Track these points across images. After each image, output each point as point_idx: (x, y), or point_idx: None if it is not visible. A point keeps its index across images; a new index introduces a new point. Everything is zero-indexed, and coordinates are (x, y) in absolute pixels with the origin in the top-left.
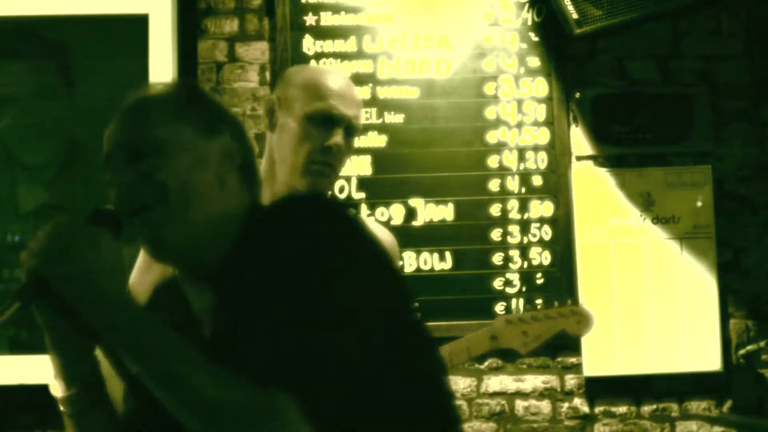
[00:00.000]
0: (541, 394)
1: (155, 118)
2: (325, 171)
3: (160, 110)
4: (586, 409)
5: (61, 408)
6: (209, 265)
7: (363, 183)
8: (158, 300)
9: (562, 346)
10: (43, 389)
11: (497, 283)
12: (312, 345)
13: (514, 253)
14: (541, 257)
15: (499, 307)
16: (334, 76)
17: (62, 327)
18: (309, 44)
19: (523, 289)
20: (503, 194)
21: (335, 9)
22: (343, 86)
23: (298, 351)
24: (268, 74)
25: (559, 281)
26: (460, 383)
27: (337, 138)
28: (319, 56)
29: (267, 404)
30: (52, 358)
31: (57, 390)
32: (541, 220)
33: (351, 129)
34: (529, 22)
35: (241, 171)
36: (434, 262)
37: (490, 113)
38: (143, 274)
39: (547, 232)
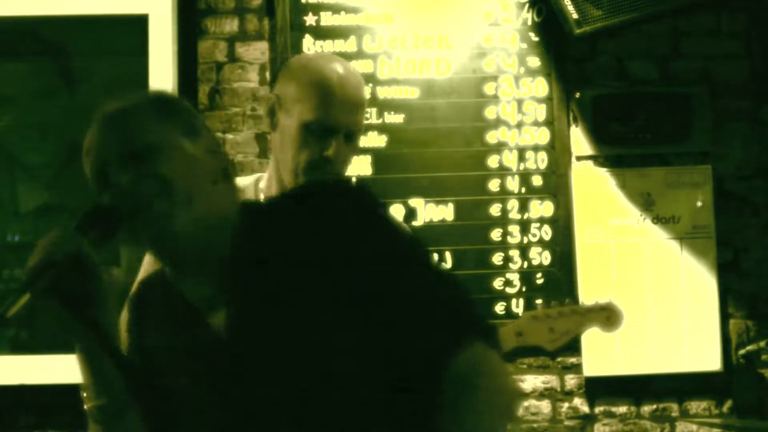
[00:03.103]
0: (541, 394)
1: (142, 122)
2: (325, 177)
3: (144, 115)
4: (586, 409)
5: (90, 416)
6: (211, 256)
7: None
8: (146, 295)
9: (562, 346)
10: (43, 389)
11: (497, 283)
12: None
13: (514, 253)
14: (541, 257)
15: (499, 307)
16: (337, 77)
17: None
18: (309, 44)
19: (523, 289)
20: (503, 194)
21: (335, 9)
22: (346, 90)
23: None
24: (268, 74)
25: (559, 281)
26: None
27: (336, 146)
28: None
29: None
30: (81, 368)
31: (86, 399)
32: (541, 220)
33: (352, 133)
34: (529, 22)
35: (224, 172)
36: None
37: (490, 113)
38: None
39: (547, 232)
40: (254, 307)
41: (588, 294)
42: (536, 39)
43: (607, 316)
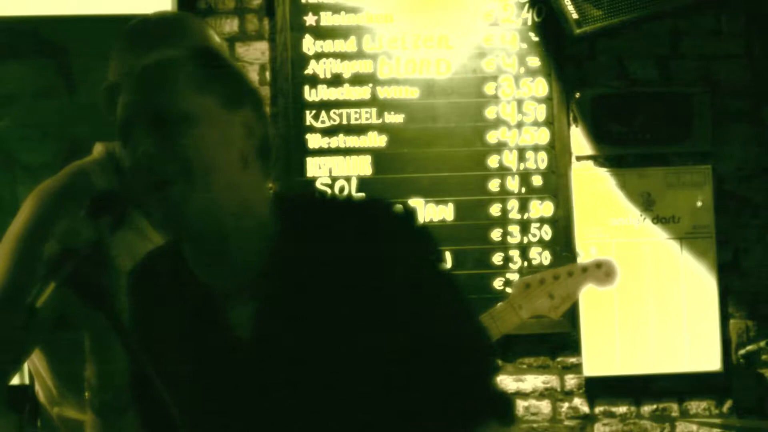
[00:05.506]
0: (541, 394)
1: (178, 86)
2: None
3: (182, 77)
4: (586, 409)
5: (91, 406)
6: (232, 242)
7: (363, 183)
8: (152, 272)
9: (562, 346)
10: None
11: (497, 283)
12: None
13: (514, 253)
14: (541, 257)
15: None
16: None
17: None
18: (309, 44)
19: None
20: (503, 194)
21: (335, 9)
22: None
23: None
24: (268, 74)
25: None
26: None
27: None
28: (319, 56)
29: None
30: (87, 360)
31: (89, 394)
32: (541, 220)
33: None
34: (529, 22)
35: (260, 149)
36: None
37: (490, 113)
38: None
39: (547, 232)
40: (288, 315)
41: (588, 295)
42: (536, 39)
43: (606, 272)
